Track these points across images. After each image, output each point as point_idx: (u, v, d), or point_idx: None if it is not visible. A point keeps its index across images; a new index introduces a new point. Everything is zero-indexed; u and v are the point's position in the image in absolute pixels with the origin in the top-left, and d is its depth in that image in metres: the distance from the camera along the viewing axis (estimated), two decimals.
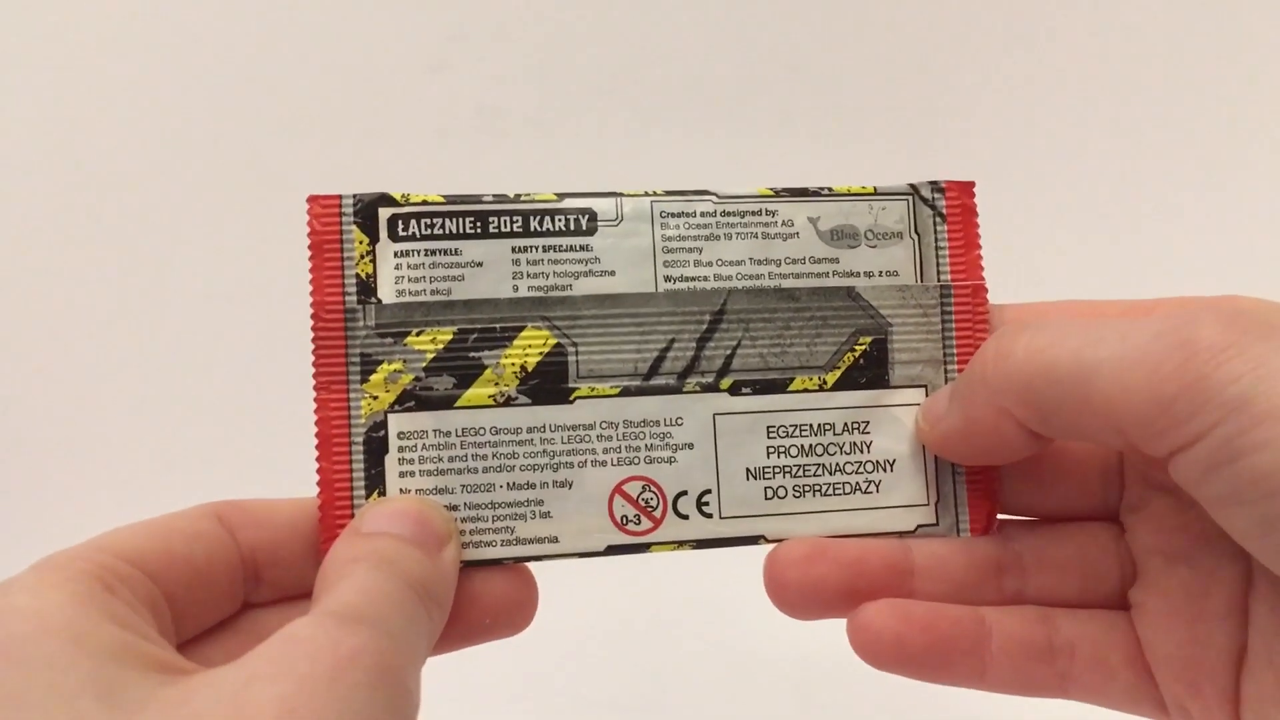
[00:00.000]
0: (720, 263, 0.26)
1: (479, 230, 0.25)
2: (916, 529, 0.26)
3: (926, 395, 0.26)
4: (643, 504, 0.25)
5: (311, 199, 0.25)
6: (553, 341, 0.25)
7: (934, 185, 0.27)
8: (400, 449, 0.24)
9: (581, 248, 0.26)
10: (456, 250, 0.25)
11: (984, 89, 0.58)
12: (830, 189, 0.27)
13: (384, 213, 0.25)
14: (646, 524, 0.25)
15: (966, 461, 0.26)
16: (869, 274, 0.27)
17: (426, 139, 0.55)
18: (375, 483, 0.24)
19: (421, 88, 0.55)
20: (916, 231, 0.27)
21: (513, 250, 0.25)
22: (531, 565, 0.25)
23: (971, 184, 0.28)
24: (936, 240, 0.27)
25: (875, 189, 0.27)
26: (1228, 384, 0.20)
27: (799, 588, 0.25)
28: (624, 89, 0.56)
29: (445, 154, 0.55)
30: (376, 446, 0.24)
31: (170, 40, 0.55)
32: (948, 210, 0.27)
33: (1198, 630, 0.24)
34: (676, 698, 0.49)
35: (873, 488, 0.26)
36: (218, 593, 0.23)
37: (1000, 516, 0.27)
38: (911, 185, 0.27)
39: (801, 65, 0.57)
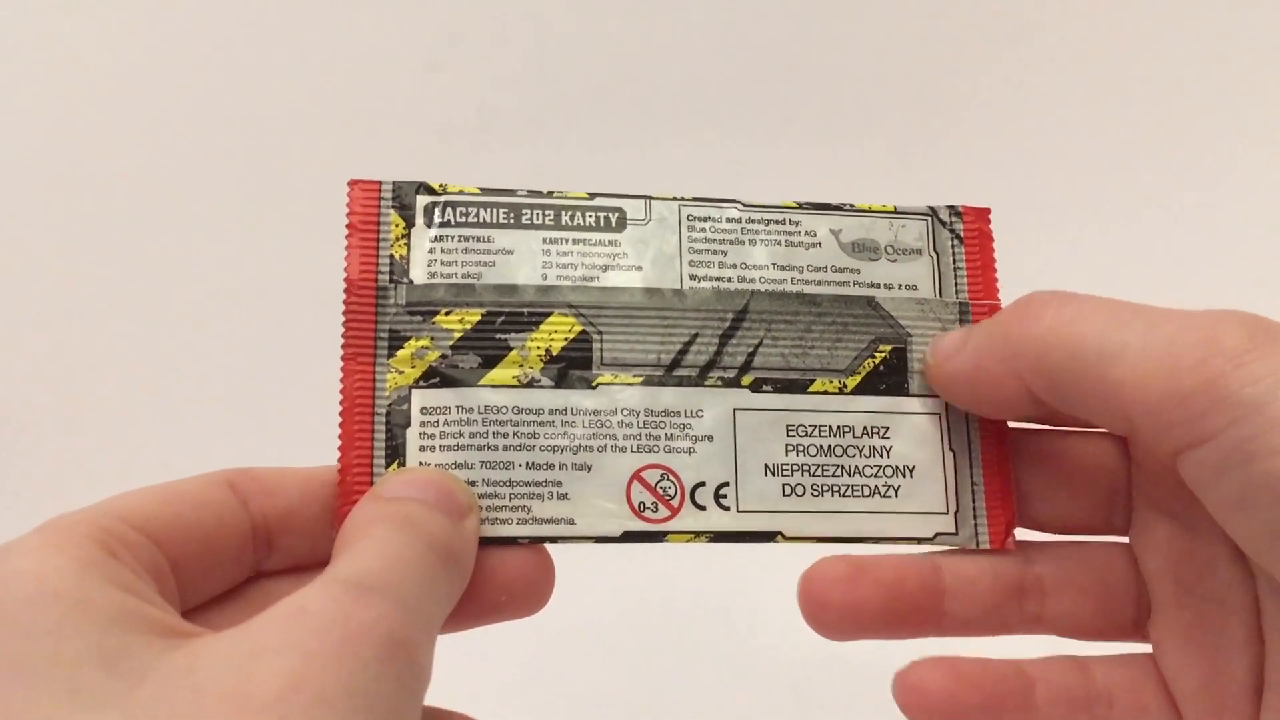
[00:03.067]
0: (744, 266, 0.27)
1: (512, 221, 0.26)
2: (935, 536, 0.26)
3: (945, 405, 0.27)
4: (661, 492, 0.25)
5: (352, 183, 0.26)
6: (578, 328, 0.26)
7: (952, 209, 0.28)
8: (422, 423, 0.25)
9: (610, 243, 0.26)
10: (489, 238, 0.26)
11: (1002, 107, 0.58)
12: (852, 205, 0.28)
13: (421, 200, 0.26)
14: (664, 512, 0.25)
15: (961, 404, 0.26)
16: (889, 286, 0.27)
17: (426, 138, 0.55)
18: (395, 453, 0.24)
19: (422, 87, 0.56)
20: (935, 250, 0.28)
21: (543, 241, 0.26)
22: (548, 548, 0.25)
23: (988, 210, 0.28)
24: (954, 260, 0.28)
25: (896, 208, 0.28)
26: (1245, 385, 0.20)
27: (840, 609, 0.25)
28: (625, 93, 0.56)
29: (445, 154, 0.55)
30: (399, 419, 0.24)
31: (171, 40, 0.56)
32: (965, 234, 0.28)
33: (1217, 663, 0.24)
34: (679, 693, 0.47)
35: (891, 492, 0.26)
36: (226, 560, 0.23)
37: (1020, 538, 0.27)
38: (930, 208, 0.28)
39: (809, 71, 0.57)
